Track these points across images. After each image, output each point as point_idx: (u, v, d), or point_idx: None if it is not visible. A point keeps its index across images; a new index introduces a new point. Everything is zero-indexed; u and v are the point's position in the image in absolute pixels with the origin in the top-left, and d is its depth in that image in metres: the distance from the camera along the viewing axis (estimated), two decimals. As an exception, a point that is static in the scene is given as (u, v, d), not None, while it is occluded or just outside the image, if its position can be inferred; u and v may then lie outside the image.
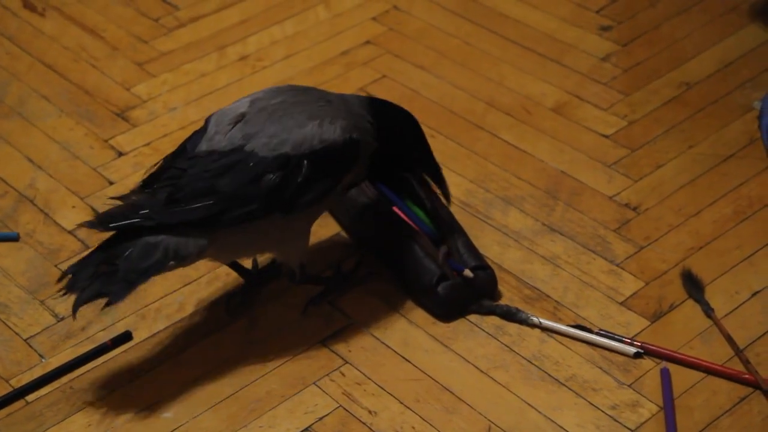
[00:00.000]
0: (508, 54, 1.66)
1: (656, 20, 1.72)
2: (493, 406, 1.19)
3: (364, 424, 1.18)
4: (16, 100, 1.61)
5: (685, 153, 1.49)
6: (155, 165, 1.22)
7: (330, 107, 1.23)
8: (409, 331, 1.27)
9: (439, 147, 1.51)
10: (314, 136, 1.19)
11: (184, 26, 1.74)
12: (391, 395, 1.21)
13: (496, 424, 1.18)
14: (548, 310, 1.29)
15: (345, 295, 1.31)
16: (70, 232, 1.40)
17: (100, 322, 1.29)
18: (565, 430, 1.17)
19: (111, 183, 1.47)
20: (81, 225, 1.16)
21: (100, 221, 1.15)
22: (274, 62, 1.67)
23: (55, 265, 1.36)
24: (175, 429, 1.18)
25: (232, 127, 1.20)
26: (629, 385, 1.21)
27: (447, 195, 1.33)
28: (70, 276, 1.14)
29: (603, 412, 1.19)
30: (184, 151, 1.21)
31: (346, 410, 1.20)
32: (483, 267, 1.29)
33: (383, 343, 1.26)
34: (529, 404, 1.19)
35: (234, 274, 1.34)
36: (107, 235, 1.17)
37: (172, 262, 1.15)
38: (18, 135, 1.55)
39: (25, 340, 1.28)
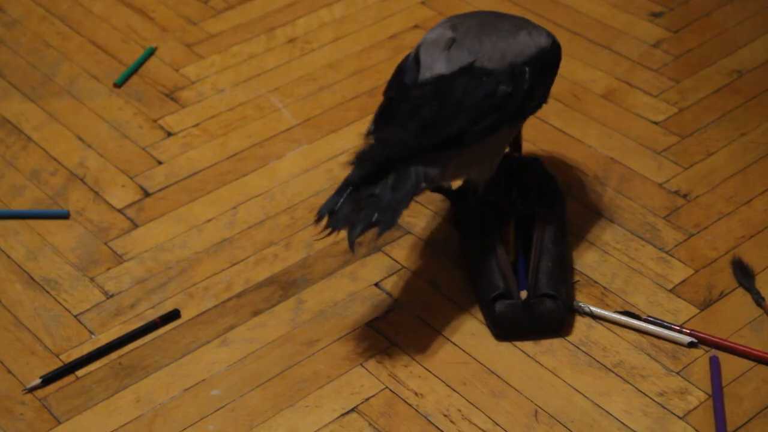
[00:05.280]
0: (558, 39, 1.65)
1: (708, 7, 1.70)
2: (540, 391, 1.19)
3: (410, 405, 1.18)
4: (66, 79, 1.62)
5: (737, 141, 1.48)
6: (383, 103, 1.24)
7: (524, 20, 1.28)
8: (456, 315, 1.27)
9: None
10: (529, 44, 1.24)
11: (233, 8, 1.74)
12: (438, 378, 1.21)
13: (542, 409, 1.17)
14: (596, 296, 1.29)
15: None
16: (119, 211, 1.41)
17: (148, 300, 1.30)
18: (612, 416, 1.16)
19: (160, 162, 1.48)
20: (346, 164, 1.18)
21: (360, 159, 1.17)
22: (322, 45, 1.67)
23: (105, 243, 1.37)
24: (222, 407, 1.19)
25: (447, 51, 1.23)
26: (678, 373, 1.20)
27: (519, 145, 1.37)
28: (327, 216, 1.17)
29: (651, 398, 1.18)
30: (404, 84, 1.24)
31: (393, 392, 1.20)
32: (553, 296, 1.22)
33: (430, 326, 1.26)
34: (576, 389, 1.19)
35: (285, 254, 1.34)
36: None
37: (423, 185, 1.19)
38: (68, 114, 1.56)
39: (75, 317, 1.29)
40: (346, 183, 1.18)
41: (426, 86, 1.22)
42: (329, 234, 1.17)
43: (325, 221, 1.17)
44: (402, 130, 1.19)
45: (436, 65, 1.24)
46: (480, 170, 1.28)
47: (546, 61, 1.26)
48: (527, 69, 1.23)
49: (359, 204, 1.16)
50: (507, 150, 1.40)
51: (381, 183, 1.17)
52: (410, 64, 1.26)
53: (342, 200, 1.17)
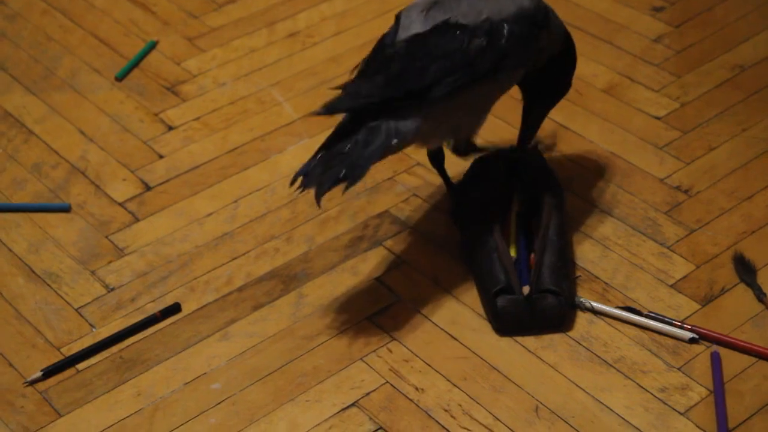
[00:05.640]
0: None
1: (709, 2, 1.70)
2: (541, 386, 1.19)
3: (410, 400, 1.18)
4: (68, 72, 1.62)
5: (738, 136, 1.48)
6: (356, 67, 1.26)
7: None
8: (457, 310, 1.27)
9: (488, 126, 1.50)
10: (509, 5, 1.24)
11: (235, 2, 1.74)
12: (438, 373, 1.21)
13: (543, 404, 1.17)
14: (597, 291, 1.29)
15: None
16: (120, 204, 1.41)
17: (149, 294, 1.30)
18: (613, 411, 1.16)
19: (161, 156, 1.48)
20: (310, 114, 1.20)
21: (327, 108, 1.19)
22: (324, 39, 1.67)
23: (106, 237, 1.37)
24: (223, 400, 1.19)
25: (426, 13, 1.24)
26: (679, 368, 1.20)
27: (529, 136, 1.36)
28: (302, 177, 1.18)
29: (652, 394, 1.18)
30: (384, 44, 1.25)
31: (393, 387, 1.20)
32: (555, 293, 1.22)
33: (431, 320, 1.26)
34: (576, 385, 1.19)
35: (286, 248, 1.34)
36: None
37: (395, 140, 1.20)
38: (70, 107, 1.56)
39: (76, 310, 1.29)
40: (321, 147, 1.20)
41: (399, 44, 1.23)
42: (301, 192, 1.18)
43: (298, 183, 1.19)
44: (370, 83, 1.20)
45: (413, 25, 1.24)
46: (460, 130, 1.29)
47: (527, 21, 1.25)
48: (505, 25, 1.23)
49: (330, 163, 1.18)
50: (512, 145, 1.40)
51: (351, 140, 1.19)
52: (391, 28, 1.27)
53: (315, 161, 1.19)
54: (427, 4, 1.25)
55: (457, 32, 1.21)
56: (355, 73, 1.25)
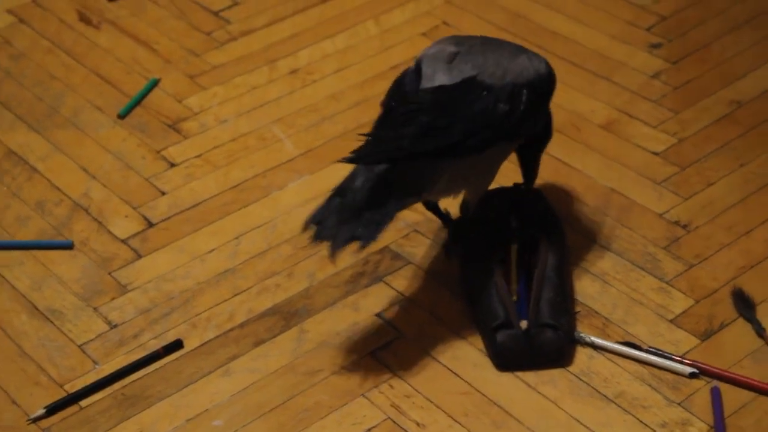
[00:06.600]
0: (557, 71, 1.64)
1: (707, 38, 1.71)
2: (542, 422, 1.19)
3: (412, 436, 1.19)
4: (71, 111, 1.63)
5: (736, 171, 1.49)
6: (382, 111, 1.27)
7: (523, 47, 1.31)
8: (458, 345, 1.28)
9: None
10: (528, 68, 1.27)
11: (236, 40, 1.75)
12: (440, 408, 1.21)
13: (544, 440, 1.18)
14: (597, 326, 1.29)
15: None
16: (123, 241, 1.42)
17: (151, 330, 1.31)
18: (614, 446, 1.17)
19: (163, 193, 1.49)
20: (339, 161, 1.20)
21: (357, 158, 1.20)
22: (325, 76, 1.68)
23: (109, 273, 1.38)
24: (225, 437, 1.19)
25: (450, 64, 1.26)
26: (679, 403, 1.21)
27: (531, 177, 1.37)
28: (315, 226, 1.19)
29: (652, 429, 1.18)
30: (406, 92, 1.26)
31: (394, 422, 1.20)
32: (554, 327, 1.23)
33: (432, 356, 1.27)
34: (577, 420, 1.19)
35: (287, 284, 1.35)
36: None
37: (410, 199, 1.21)
38: (73, 145, 1.57)
39: (79, 347, 1.29)
40: (335, 192, 1.20)
41: (425, 94, 1.24)
42: (314, 243, 1.19)
43: (311, 231, 1.19)
44: (397, 135, 1.21)
45: (437, 76, 1.26)
46: (471, 188, 1.30)
47: (542, 88, 1.29)
48: (525, 91, 1.26)
49: (344, 215, 1.18)
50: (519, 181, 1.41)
51: (369, 195, 1.19)
52: (411, 76, 1.28)
53: (329, 210, 1.19)
54: (449, 56, 1.27)
55: (484, 92, 1.23)
56: (378, 120, 1.26)
